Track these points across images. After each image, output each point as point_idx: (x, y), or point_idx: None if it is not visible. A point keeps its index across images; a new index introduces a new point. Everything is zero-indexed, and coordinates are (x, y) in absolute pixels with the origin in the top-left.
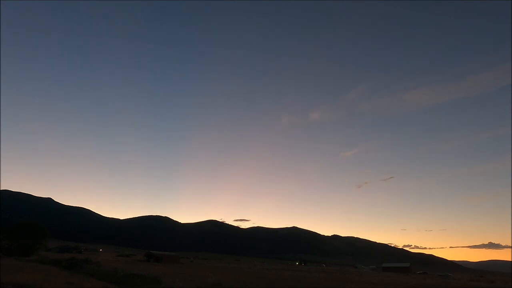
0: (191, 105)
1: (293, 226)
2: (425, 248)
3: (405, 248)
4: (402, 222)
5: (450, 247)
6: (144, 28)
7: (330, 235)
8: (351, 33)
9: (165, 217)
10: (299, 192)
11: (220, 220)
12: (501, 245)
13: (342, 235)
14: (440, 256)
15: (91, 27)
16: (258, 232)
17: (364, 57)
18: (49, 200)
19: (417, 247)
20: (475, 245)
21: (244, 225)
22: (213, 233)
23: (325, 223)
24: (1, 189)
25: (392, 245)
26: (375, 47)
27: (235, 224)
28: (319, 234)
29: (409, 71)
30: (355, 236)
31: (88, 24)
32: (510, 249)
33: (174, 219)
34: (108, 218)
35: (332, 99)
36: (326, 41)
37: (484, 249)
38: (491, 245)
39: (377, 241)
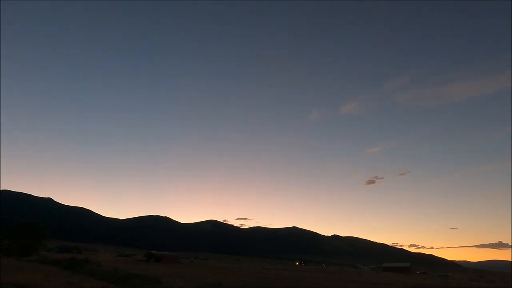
0: (192, 103)
1: (293, 226)
2: (431, 247)
3: (410, 248)
4: (409, 221)
5: (457, 246)
6: (152, 21)
7: (330, 235)
8: (389, 23)
9: (165, 217)
10: (300, 192)
11: (222, 220)
12: (508, 244)
13: (342, 235)
14: (440, 256)
15: (90, 28)
16: (258, 232)
17: (403, 48)
18: (49, 200)
19: (423, 247)
20: (483, 244)
21: (244, 225)
22: (213, 233)
23: (325, 223)
24: (1, 189)
25: (398, 245)
26: (413, 38)
27: (236, 224)
28: (319, 234)
29: (449, 63)
30: (355, 236)
31: (87, 25)
32: (510, 249)
33: (174, 219)
34: (108, 218)
35: (367, 91)
36: (363, 31)
37: (493, 249)
38: (500, 245)
39: (377, 241)
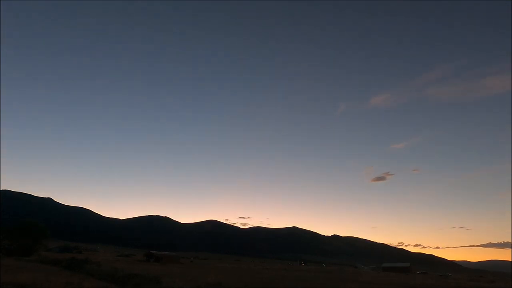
0: (194, 101)
1: (293, 226)
2: (437, 247)
3: (415, 248)
4: (415, 220)
5: (465, 246)
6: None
7: (330, 235)
8: (429, 11)
9: (165, 217)
10: (300, 192)
11: (224, 220)
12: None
13: (342, 235)
14: (440, 256)
15: (92, 28)
16: (258, 232)
17: (440, 39)
18: (49, 200)
19: (429, 247)
20: (491, 243)
21: (247, 224)
22: (213, 233)
23: (325, 223)
24: (1, 189)
25: (403, 245)
26: (449, 31)
27: (237, 223)
28: (319, 234)
29: (489, 56)
30: (355, 236)
31: (88, 25)
32: (510, 249)
33: (174, 219)
34: (108, 218)
35: (401, 83)
36: (402, 20)
37: (498, 249)
38: (508, 245)
39: (377, 241)
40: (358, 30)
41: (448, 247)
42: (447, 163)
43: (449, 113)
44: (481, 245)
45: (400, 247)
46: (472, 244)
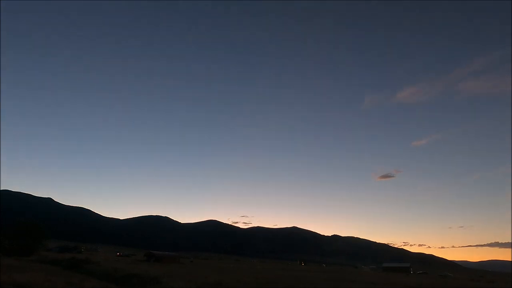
0: (195, 100)
1: (293, 226)
2: (442, 247)
3: (420, 248)
4: (419, 218)
5: (469, 245)
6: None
7: (330, 235)
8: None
9: (165, 217)
10: (301, 191)
11: (226, 221)
12: None
13: (342, 235)
14: (440, 256)
15: (93, 27)
16: (258, 232)
17: (477, 31)
18: (49, 200)
19: (435, 247)
20: (497, 243)
21: (244, 225)
22: (213, 233)
23: (325, 223)
24: (1, 189)
25: (408, 244)
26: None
27: (237, 223)
28: (319, 234)
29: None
30: (355, 236)
31: (90, 24)
32: (510, 249)
33: (174, 219)
34: (108, 218)
35: (432, 76)
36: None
37: (501, 248)
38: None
39: (377, 241)
40: (387, 21)
41: (453, 247)
42: (465, 161)
43: (479, 108)
44: (487, 244)
45: (402, 247)
46: (478, 244)
